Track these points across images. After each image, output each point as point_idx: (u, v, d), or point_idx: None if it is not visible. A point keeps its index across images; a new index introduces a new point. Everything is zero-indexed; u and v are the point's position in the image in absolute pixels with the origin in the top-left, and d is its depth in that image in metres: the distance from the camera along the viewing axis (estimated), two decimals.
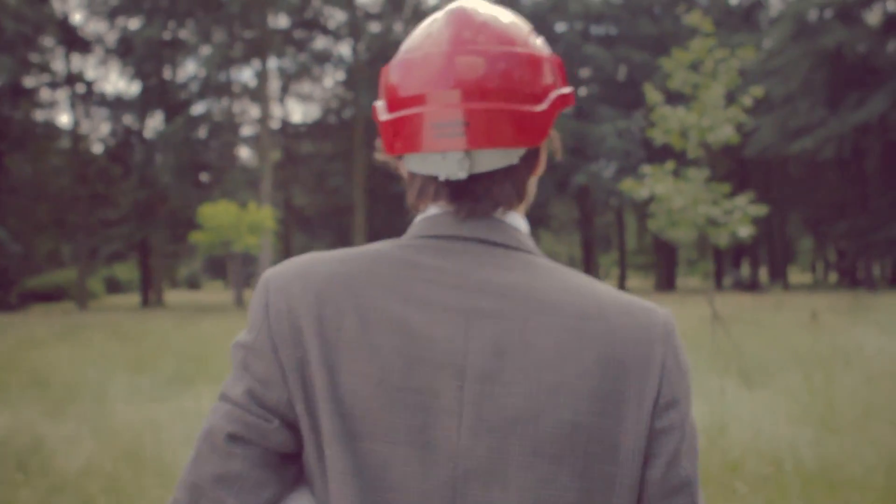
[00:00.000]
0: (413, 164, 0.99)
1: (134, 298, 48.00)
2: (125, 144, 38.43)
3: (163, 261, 42.63)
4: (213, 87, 35.23)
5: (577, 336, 0.93)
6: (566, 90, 1.02)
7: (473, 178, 0.98)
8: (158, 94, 36.43)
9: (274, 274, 0.99)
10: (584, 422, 0.91)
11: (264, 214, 23.99)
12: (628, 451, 0.93)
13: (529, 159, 1.01)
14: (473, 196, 0.99)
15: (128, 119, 38.46)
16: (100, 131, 39.81)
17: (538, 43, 1.02)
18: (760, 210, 13.32)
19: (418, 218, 1.04)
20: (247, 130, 40.59)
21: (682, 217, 13.69)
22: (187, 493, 0.94)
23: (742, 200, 13.39)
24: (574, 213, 53.36)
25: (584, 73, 43.05)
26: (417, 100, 0.96)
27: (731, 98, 16.67)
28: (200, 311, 27.78)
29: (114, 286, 57.40)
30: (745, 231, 13.24)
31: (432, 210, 1.02)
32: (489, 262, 0.97)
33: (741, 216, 13.29)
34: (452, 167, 0.95)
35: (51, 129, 37.54)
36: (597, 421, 0.92)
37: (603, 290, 0.99)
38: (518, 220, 1.03)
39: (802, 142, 33.39)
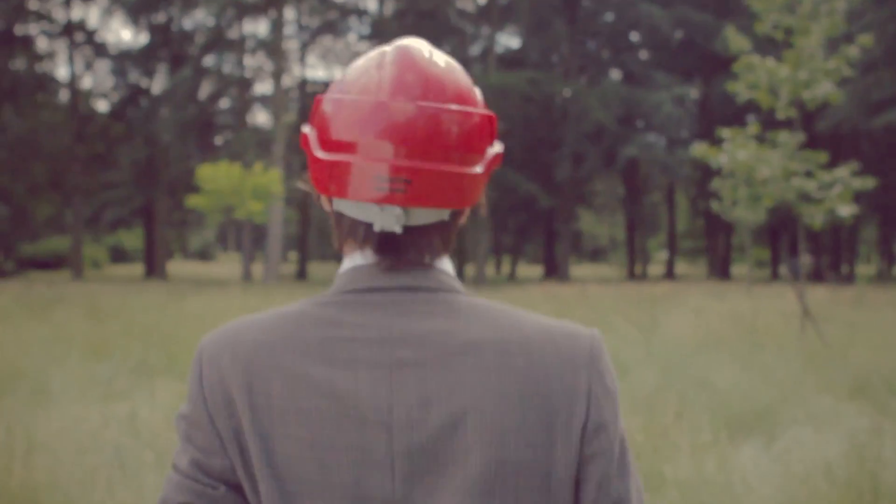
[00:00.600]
0: (345, 208, 1.03)
1: (139, 269, 46.90)
2: (129, 101, 36.88)
3: (169, 229, 41.32)
4: (224, 40, 33.47)
5: (499, 374, 0.98)
6: (498, 148, 1.06)
7: (404, 231, 1.02)
8: (164, 46, 34.78)
9: (207, 344, 1.05)
10: (513, 457, 0.97)
11: (271, 178, 22.10)
12: (559, 479, 0.98)
13: (457, 214, 1.06)
14: (401, 247, 1.03)
15: (132, 74, 36.93)
16: (102, 86, 38.32)
17: (479, 97, 1.06)
18: (867, 183, 11.36)
19: (343, 267, 1.07)
20: (261, 89, 38.92)
21: (768, 191, 11.70)
22: None
23: (844, 172, 11.41)
24: (618, 190, 51.21)
25: (634, 37, 40.82)
26: (358, 146, 0.98)
27: (831, 48, 14.48)
28: (201, 284, 26.31)
29: (119, 255, 56.52)
30: (846, 210, 11.30)
31: (356, 258, 1.05)
32: (410, 310, 1.01)
33: (842, 191, 11.32)
34: (389, 220, 0.99)
35: (47, 82, 36.06)
36: (525, 454, 0.97)
37: (527, 321, 1.03)
38: (443, 263, 1.07)
39: (887, 115, 30.93)
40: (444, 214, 1.03)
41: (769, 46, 13.02)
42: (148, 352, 9.81)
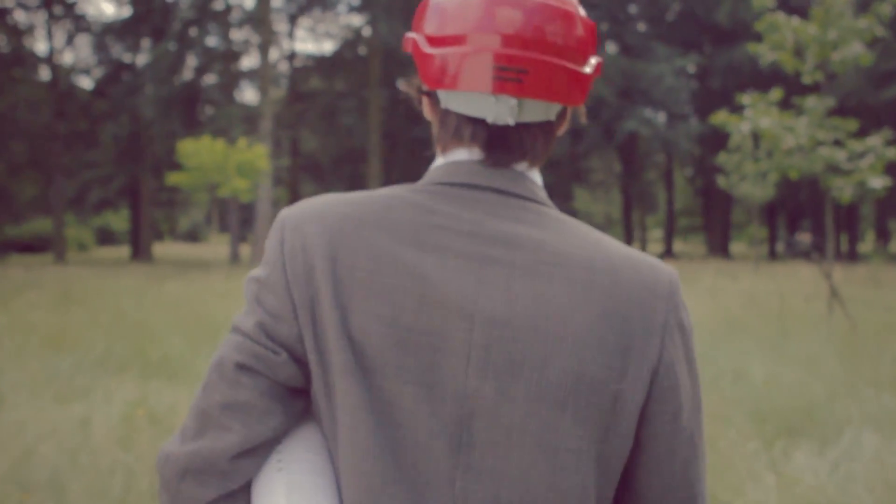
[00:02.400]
0: (454, 103, 1.02)
1: (126, 251, 45.76)
2: (112, 77, 35.48)
3: (156, 210, 40.11)
4: (209, 12, 32.14)
5: (585, 288, 0.97)
6: (599, 58, 1.07)
7: (512, 128, 1.02)
8: (147, 20, 33.39)
9: (290, 213, 1.04)
10: (588, 372, 0.95)
11: (256, 153, 20.90)
12: (626, 402, 0.97)
13: (561, 117, 1.06)
14: (507, 144, 1.02)
15: (115, 49, 35.55)
16: (83, 61, 36.96)
17: (581, 8, 1.06)
18: None
19: (438, 162, 1.06)
20: (249, 64, 37.56)
21: (793, 162, 10.72)
22: (196, 419, 0.99)
23: (876, 140, 10.44)
24: (615, 167, 50.20)
25: (633, 9, 39.65)
26: (470, 39, 0.98)
27: (862, 7, 13.39)
28: (185, 267, 25.25)
29: (107, 237, 55.27)
30: (878, 182, 10.33)
31: (456, 155, 1.04)
32: (503, 213, 1.01)
33: (874, 161, 10.35)
34: (503, 112, 0.98)
35: (26, 57, 34.64)
36: (600, 372, 0.96)
37: (612, 244, 1.03)
38: (535, 174, 1.07)
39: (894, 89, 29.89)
40: (551, 114, 1.03)
41: (792, 5, 11.93)
42: (113, 343, 8.82)
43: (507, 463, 0.95)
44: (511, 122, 0.98)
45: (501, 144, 1.01)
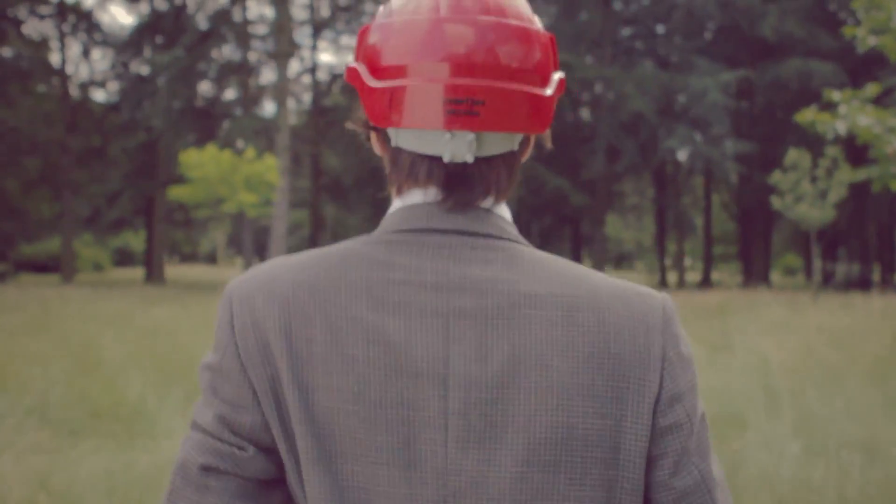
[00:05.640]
0: (406, 141, 0.92)
1: (142, 272, 44.40)
2: (129, 92, 34.12)
3: (173, 230, 38.61)
4: (229, 22, 30.71)
5: (566, 331, 0.88)
6: (561, 74, 0.97)
7: (472, 163, 0.93)
8: (159, 29, 32.03)
9: (236, 286, 0.94)
10: (580, 424, 0.87)
11: (266, 165, 19.17)
12: (629, 452, 0.88)
13: (524, 145, 0.97)
14: (468, 182, 0.93)
15: (132, 64, 34.24)
16: (99, 75, 35.72)
17: (537, 19, 0.96)
18: None
19: (394, 207, 0.97)
20: (271, 77, 36.09)
21: None
22: None
23: None
24: (647, 191, 48.13)
25: (672, 24, 37.77)
26: (416, 70, 0.88)
27: None
28: (192, 289, 23.62)
29: (125, 258, 54.12)
30: None
31: (412, 197, 0.94)
32: (469, 256, 0.91)
33: None
34: (461, 148, 0.89)
35: (38, 69, 33.40)
36: (593, 422, 0.87)
37: (595, 277, 0.94)
38: (503, 209, 0.98)
39: None
40: (513, 143, 0.93)
41: None
42: (55, 385, 7.04)
43: None
44: (470, 159, 0.88)
45: (462, 183, 0.91)
